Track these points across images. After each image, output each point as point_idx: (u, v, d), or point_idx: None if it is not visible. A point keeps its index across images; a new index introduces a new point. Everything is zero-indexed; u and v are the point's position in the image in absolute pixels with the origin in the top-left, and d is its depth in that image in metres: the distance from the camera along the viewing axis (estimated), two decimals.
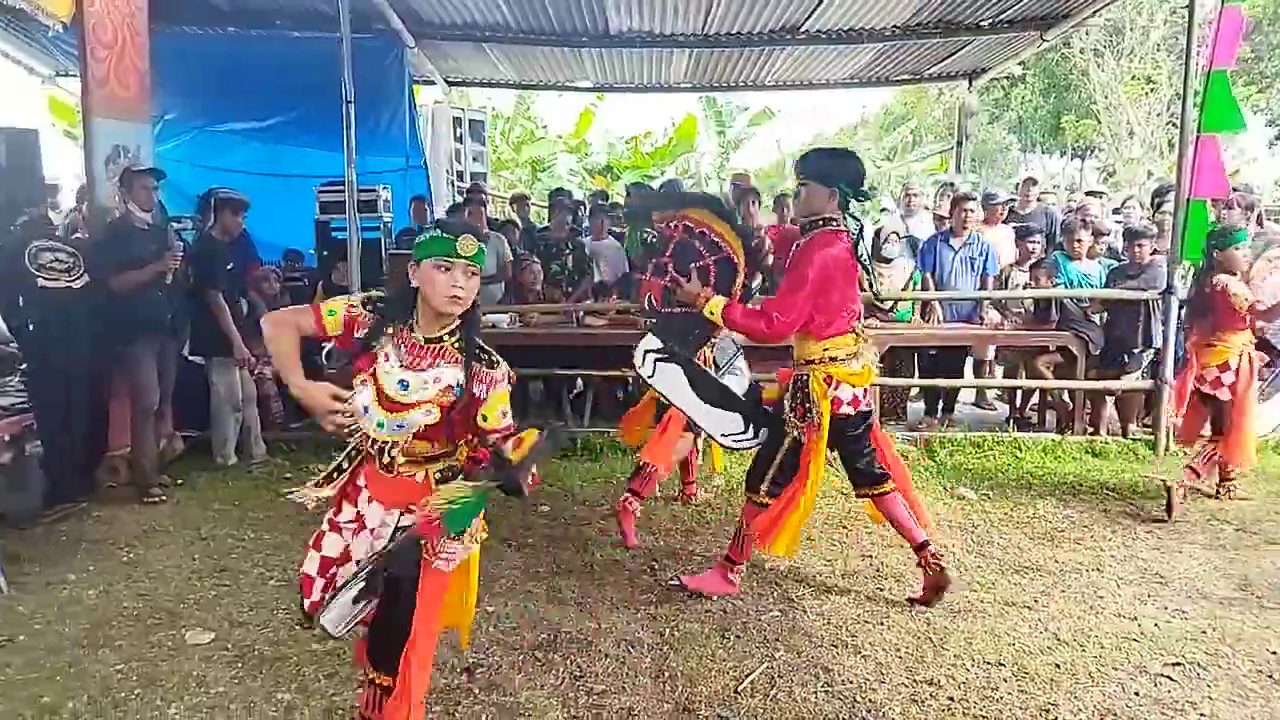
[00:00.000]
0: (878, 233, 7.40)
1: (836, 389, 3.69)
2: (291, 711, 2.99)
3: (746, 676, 3.24)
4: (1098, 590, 3.99)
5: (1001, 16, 8.61)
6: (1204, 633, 3.57)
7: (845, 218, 3.70)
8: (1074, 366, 6.72)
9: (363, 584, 2.39)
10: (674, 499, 5.29)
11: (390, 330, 2.41)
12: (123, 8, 5.92)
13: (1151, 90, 19.35)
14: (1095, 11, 8.71)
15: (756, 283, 5.00)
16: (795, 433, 3.72)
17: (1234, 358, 5.05)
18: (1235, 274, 5.04)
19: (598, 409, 7.27)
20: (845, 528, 4.82)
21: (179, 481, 5.63)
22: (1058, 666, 3.31)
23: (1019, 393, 7.55)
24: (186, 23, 8.80)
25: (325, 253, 7.96)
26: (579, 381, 7.57)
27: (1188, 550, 4.48)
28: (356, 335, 2.41)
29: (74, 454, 5.23)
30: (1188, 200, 5.95)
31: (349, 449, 2.56)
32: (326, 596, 2.46)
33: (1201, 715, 3.00)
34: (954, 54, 10.03)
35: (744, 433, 3.91)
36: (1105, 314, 6.79)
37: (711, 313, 3.66)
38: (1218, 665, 3.32)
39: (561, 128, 19.30)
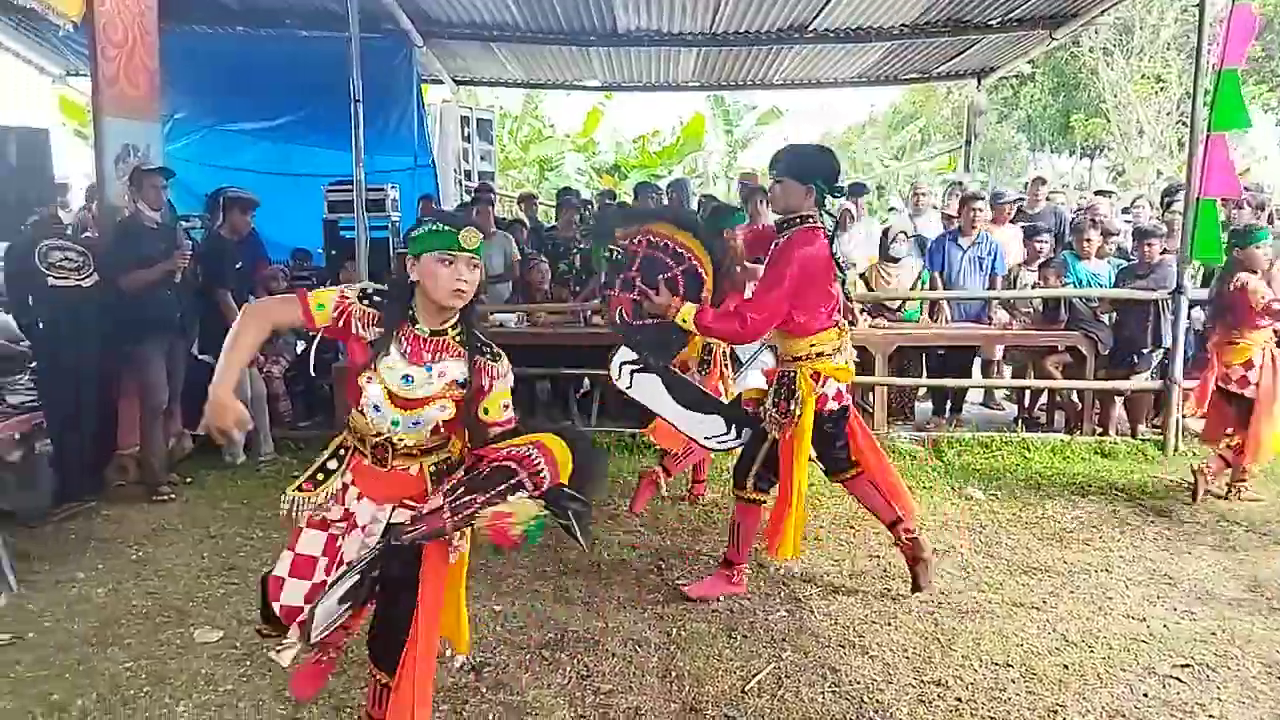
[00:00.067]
0: (885, 232, 7.39)
1: (823, 385, 3.70)
2: (300, 709, 3.00)
3: (753, 676, 3.24)
4: (1106, 591, 3.98)
5: (1010, 15, 8.59)
6: (1213, 634, 3.56)
7: (821, 214, 3.69)
8: (1083, 366, 6.70)
9: (353, 584, 2.36)
10: (681, 499, 5.29)
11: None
12: (133, 7, 5.94)
13: (1161, 89, 19.28)
14: (1105, 10, 8.67)
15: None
16: (774, 429, 3.72)
17: (1257, 354, 5.05)
18: (1257, 272, 5.04)
19: (604, 408, 7.27)
20: (853, 528, 4.82)
21: (188, 480, 5.65)
22: (1066, 668, 3.30)
23: (1027, 393, 7.53)
24: (196, 22, 8.83)
25: (333, 252, 7.99)
26: (586, 381, 7.57)
27: (1197, 551, 4.46)
28: (365, 335, 2.36)
29: (83, 452, 5.25)
30: (1198, 199, 5.92)
31: (335, 447, 2.52)
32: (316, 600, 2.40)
33: (1211, 717, 2.99)
34: (963, 53, 10.00)
35: (726, 434, 3.92)
36: (1114, 314, 6.76)
37: (684, 320, 3.63)
38: (1227, 667, 3.30)
39: (569, 127, 19.33)
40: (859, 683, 3.20)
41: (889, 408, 6.94)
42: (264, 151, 9.15)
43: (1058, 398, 7.28)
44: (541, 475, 2.26)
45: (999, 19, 8.70)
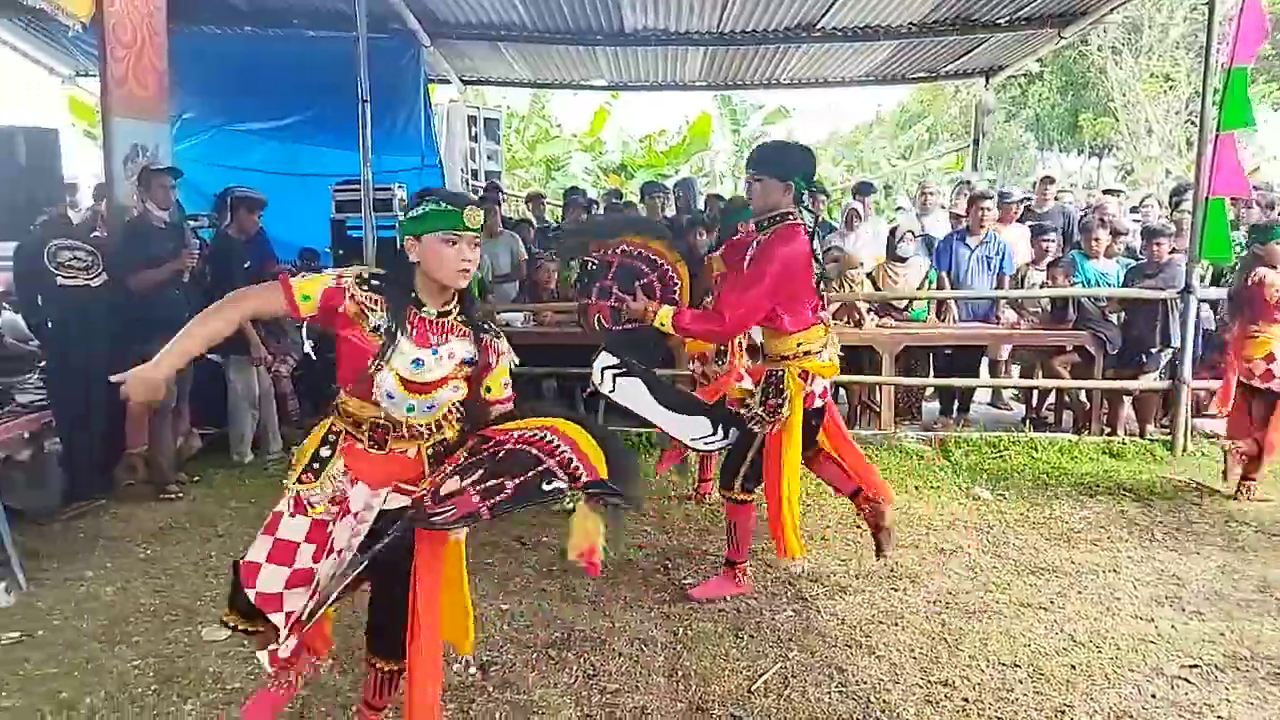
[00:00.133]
0: (893, 231, 7.38)
1: (811, 383, 3.71)
2: (308, 708, 3.01)
3: (760, 676, 3.24)
4: (1114, 592, 3.97)
5: (1019, 13, 8.56)
6: (1222, 635, 3.55)
7: (801, 211, 3.68)
8: (1091, 366, 6.69)
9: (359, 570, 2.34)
10: (688, 498, 5.29)
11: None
12: (142, 8, 5.96)
13: (1170, 88, 19.18)
14: (1113, 9, 8.65)
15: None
16: (761, 428, 3.71)
17: (1278, 347, 5.04)
18: (1276, 267, 5.04)
19: (611, 407, 7.26)
20: (859, 528, 4.80)
21: (196, 479, 5.67)
22: (1073, 668, 3.29)
23: (1035, 392, 7.52)
24: (204, 22, 8.85)
25: (341, 251, 7.99)
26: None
27: (1205, 552, 4.45)
28: (365, 323, 2.29)
29: (92, 451, 5.27)
30: (1206, 199, 5.90)
31: (324, 433, 2.44)
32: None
33: (1219, 718, 2.98)
34: (971, 51, 9.97)
35: (713, 434, 3.92)
36: (1123, 313, 6.75)
37: (662, 323, 3.63)
38: (1235, 668, 3.29)
39: (576, 126, 19.31)
40: (866, 683, 3.20)
41: (896, 407, 6.93)
42: (272, 151, 9.16)
43: (1066, 397, 7.26)
44: (575, 467, 2.23)
45: (1007, 17, 8.68)
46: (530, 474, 2.22)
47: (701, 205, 8.83)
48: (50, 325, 5.16)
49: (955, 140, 21.45)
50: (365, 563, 2.34)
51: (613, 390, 3.92)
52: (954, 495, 5.40)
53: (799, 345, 3.68)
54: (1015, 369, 7.86)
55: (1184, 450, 6.21)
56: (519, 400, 2.51)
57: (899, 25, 8.94)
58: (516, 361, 2.51)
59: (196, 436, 6.18)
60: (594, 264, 3.90)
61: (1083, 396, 6.93)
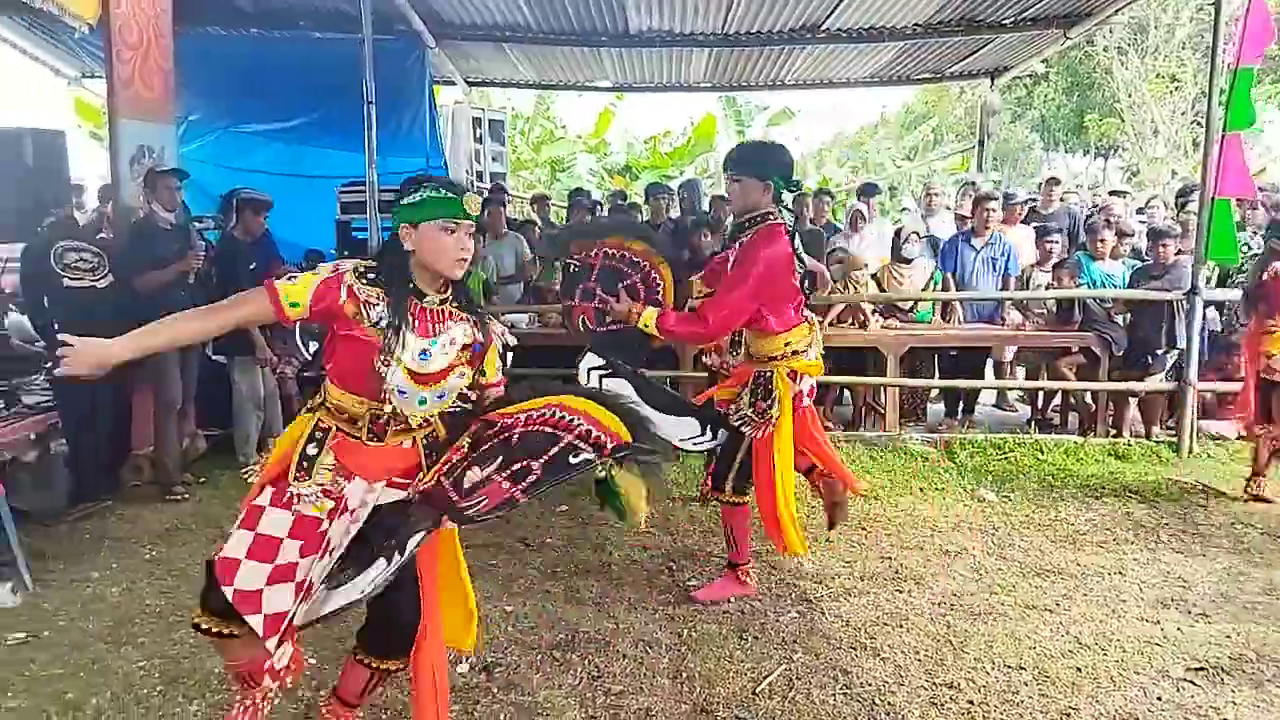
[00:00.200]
0: (898, 233, 7.37)
1: (800, 383, 3.72)
2: (312, 709, 3.01)
3: (764, 678, 3.24)
4: (1120, 594, 3.96)
5: (1024, 14, 8.55)
6: (1228, 637, 3.53)
7: (780, 210, 3.68)
8: (1097, 368, 6.67)
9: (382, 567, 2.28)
10: (693, 499, 5.29)
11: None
12: (148, 9, 5.97)
13: (1176, 89, 19.14)
14: (1119, 9, 8.62)
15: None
16: (750, 430, 3.71)
17: None
18: None
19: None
20: (864, 529, 4.81)
21: (201, 480, 5.68)
22: (1079, 670, 3.28)
23: (1041, 394, 7.50)
24: (210, 24, 8.87)
25: (346, 253, 7.99)
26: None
27: (1211, 554, 4.44)
28: (365, 318, 2.24)
29: (98, 452, 5.29)
30: (1213, 200, 5.89)
31: (309, 430, 2.35)
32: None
33: None
34: (976, 52, 9.96)
35: (701, 435, 3.93)
36: (1128, 315, 6.74)
37: (646, 325, 3.63)
38: (1242, 670, 3.28)
39: (581, 128, 19.32)
40: (870, 685, 3.19)
41: (901, 409, 6.92)
42: (277, 153, 9.18)
43: (1071, 399, 7.24)
44: (597, 437, 2.22)
45: (1013, 18, 8.67)
46: (555, 449, 2.22)
47: (706, 206, 8.83)
48: (57, 326, 5.17)
49: (960, 141, 21.40)
50: (374, 563, 2.29)
51: None
52: (959, 497, 5.39)
53: (786, 345, 3.69)
54: (1020, 370, 7.85)
55: (1190, 452, 6.19)
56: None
57: (904, 26, 8.94)
58: (513, 341, 2.50)
59: (202, 438, 6.19)
60: (576, 266, 3.91)
61: (1088, 398, 6.91)
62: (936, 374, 7.43)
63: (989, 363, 7.69)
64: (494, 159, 11.30)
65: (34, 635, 3.59)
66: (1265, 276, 5.07)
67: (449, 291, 2.38)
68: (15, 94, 12.47)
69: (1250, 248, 6.66)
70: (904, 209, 14.23)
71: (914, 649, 3.46)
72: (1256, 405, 5.22)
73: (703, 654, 3.42)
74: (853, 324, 6.99)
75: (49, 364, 5.41)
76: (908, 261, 7.12)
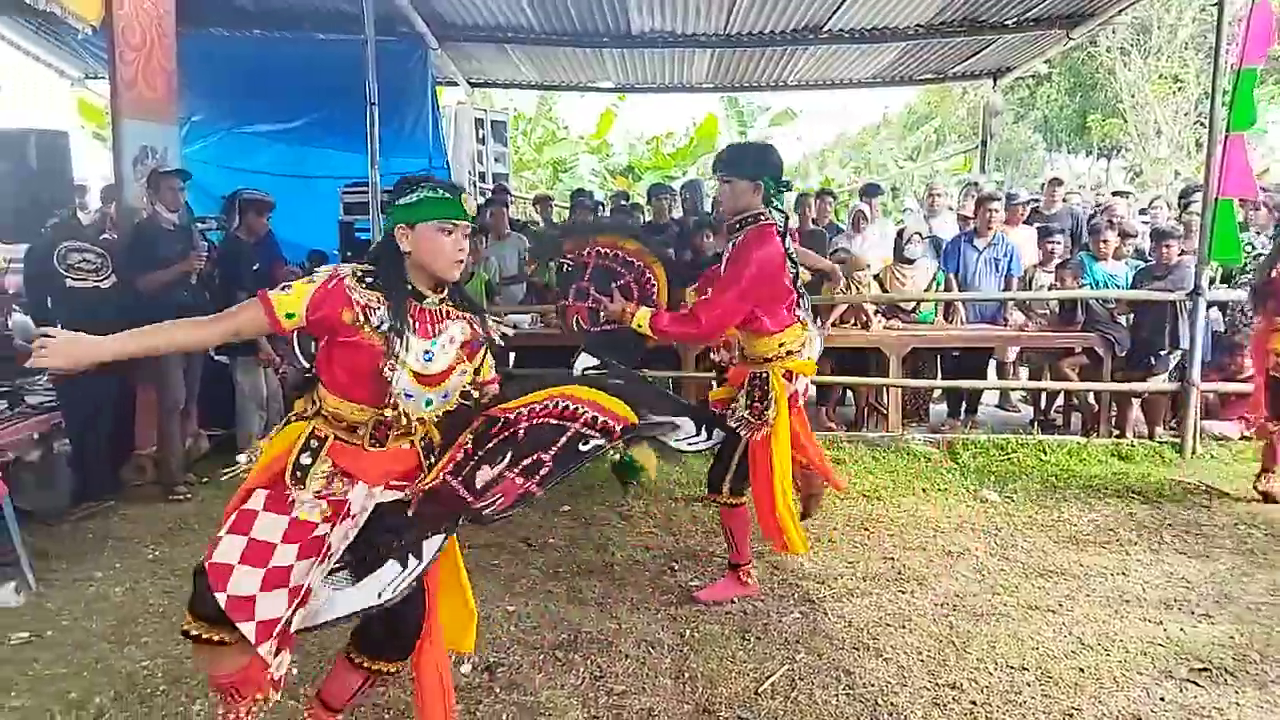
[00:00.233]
0: (900, 233, 7.37)
1: (795, 382, 3.73)
2: (296, 717, 3.00)
3: (767, 678, 3.24)
4: (1123, 594, 3.95)
5: (1027, 15, 8.55)
6: (1231, 638, 3.53)
7: (771, 211, 3.68)
8: (1099, 368, 6.66)
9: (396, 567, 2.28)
10: (695, 499, 5.29)
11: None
12: (151, 10, 5.98)
13: (1179, 89, 19.13)
14: (1122, 9, 8.62)
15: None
16: (748, 431, 3.71)
17: None
18: None
19: None
20: (867, 530, 4.80)
21: (204, 480, 5.68)
22: (1082, 671, 3.28)
23: (1044, 394, 7.50)
24: (213, 25, 8.88)
25: (349, 254, 8.00)
26: None
27: (1215, 555, 4.43)
28: (366, 324, 2.21)
29: (101, 452, 5.29)
30: (1216, 200, 5.88)
31: (303, 440, 2.30)
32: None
33: None
34: (979, 53, 9.96)
35: (696, 435, 3.93)
36: (1131, 315, 6.73)
37: (639, 325, 3.62)
38: (1245, 671, 3.28)
39: (583, 128, 19.34)
40: (873, 685, 3.19)
41: (904, 409, 6.92)
42: (280, 154, 9.19)
43: (1074, 399, 7.24)
44: (604, 422, 2.21)
45: (1015, 19, 8.67)
46: (564, 440, 2.21)
47: (709, 207, 8.83)
48: (60, 327, 5.18)
49: (963, 142, 21.40)
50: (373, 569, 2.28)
51: None
52: (962, 498, 5.38)
53: (780, 345, 3.70)
54: (1023, 371, 7.84)
55: (1193, 453, 6.18)
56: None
57: (906, 27, 8.94)
58: (510, 333, 2.49)
59: (205, 438, 6.20)
60: (569, 265, 3.90)
61: (1091, 399, 6.91)
62: (939, 374, 7.43)
63: (991, 363, 7.69)
64: (496, 160, 11.31)
65: (37, 635, 3.60)
66: (1274, 273, 5.06)
67: (445, 291, 2.37)
68: (19, 94, 12.49)
69: (1254, 247, 6.65)
70: (906, 209, 14.23)
71: (917, 649, 3.46)
72: (1267, 403, 5.21)
73: (705, 654, 3.42)
74: (855, 324, 6.99)
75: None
76: (910, 262, 7.12)
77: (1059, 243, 7.17)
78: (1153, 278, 6.54)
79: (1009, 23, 8.76)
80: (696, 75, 11.08)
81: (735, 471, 3.79)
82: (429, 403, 2.29)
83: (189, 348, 2.27)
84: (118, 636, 3.56)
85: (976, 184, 10.12)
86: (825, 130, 27.95)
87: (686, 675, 3.26)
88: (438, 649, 2.44)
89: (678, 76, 11.19)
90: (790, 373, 3.71)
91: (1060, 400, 7.53)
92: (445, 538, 2.30)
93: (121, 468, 5.55)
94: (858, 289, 6.95)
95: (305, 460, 2.27)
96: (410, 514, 2.31)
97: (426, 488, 2.30)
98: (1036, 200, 8.68)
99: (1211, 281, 6.30)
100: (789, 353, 3.71)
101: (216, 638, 2.16)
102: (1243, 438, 6.42)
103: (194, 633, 2.18)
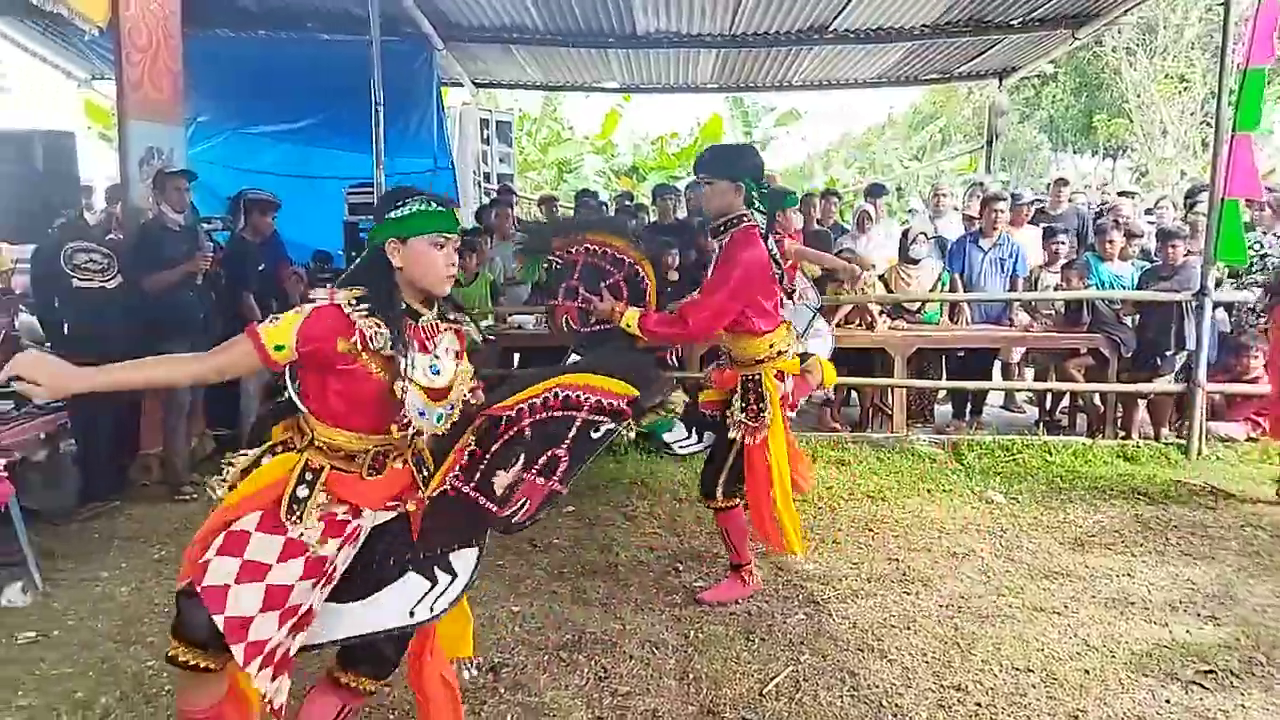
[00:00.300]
0: (905, 233, 7.36)
1: (785, 383, 3.74)
2: None
3: (771, 679, 3.24)
4: (1128, 596, 3.95)
5: (1033, 15, 8.53)
6: (1237, 640, 3.52)
7: (753, 212, 3.68)
8: (1105, 369, 6.65)
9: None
10: (700, 500, 5.28)
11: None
12: (157, 12, 6.00)
13: (1185, 89, 19.07)
14: (1128, 9, 8.61)
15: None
16: (746, 435, 3.70)
17: None
18: None
19: None
20: (872, 531, 4.80)
21: (209, 479, 5.68)
22: (1087, 673, 3.27)
23: (1049, 395, 7.48)
24: (219, 26, 8.90)
25: (354, 254, 8.02)
26: None
27: (1221, 556, 4.42)
28: (367, 349, 2.13)
29: (107, 452, 5.31)
30: (1222, 200, 5.86)
31: (297, 472, 2.21)
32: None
33: None
34: (984, 53, 9.95)
35: (687, 438, 3.94)
36: (1137, 316, 6.71)
37: (628, 325, 3.62)
38: (1251, 673, 3.27)
39: (588, 129, 19.37)
40: (878, 687, 3.19)
41: (908, 410, 6.91)
42: (285, 154, 9.22)
43: (1080, 400, 7.23)
44: (609, 405, 2.19)
45: (1021, 19, 8.65)
46: (573, 432, 2.19)
47: None
48: (66, 327, 5.20)
49: (968, 142, 21.38)
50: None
51: None
52: (967, 499, 5.38)
53: (771, 346, 3.71)
54: (1029, 372, 7.83)
55: (1199, 454, 6.16)
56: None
57: (912, 27, 8.92)
58: (490, 338, 2.46)
59: (210, 438, 6.21)
60: (559, 263, 3.90)
61: (1097, 399, 6.89)
62: (944, 375, 7.41)
63: (997, 364, 7.68)
64: (501, 160, 11.31)
65: (44, 634, 3.61)
66: None
67: (434, 307, 2.32)
68: (26, 95, 12.55)
69: (1262, 245, 6.63)
70: (911, 210, 14.19)
71: (921, 651, 3.46)
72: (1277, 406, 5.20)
73: (710, 655, 3.42)
74: (860, 325, 6.98)
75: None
76: (915, 262, 7.11)
77: (1064, 243, 7.16)
78: (1158, 278, 6.52)
79: (1014, 23, 8.74)
80: (701, 76, 11.08)
81: (728, 474, 3.80)
82: (440, 417, 2.23)
83: (176, 384, 2.20)
84: (124, 636, 3.58)
85: (982, 184, 10.11)
86: (830, 130, 28.00)
87: (691, 676, 3.27)
88: (439, 661, 2.40)
89: (683, 77, 11.19)
90: (781, 373, 3.72)
91: (1065, 401, 7.52)
92: (479, 551, 2.26)
93: (127, 468, 5.57)
94: (863, 289, 6.94)
95: (302, 493, 2.19)
96: (421, 524, 2.28)
97: (434, 494, 2.27)
98: (1042, 200, 8.66)
99: (1218, 282, 6.28)
100: (780, 353, 3.72)
101: (204, 664, 2.09)
102: (1249, 439, 6.41)
103: (181, 658, 2.09)
